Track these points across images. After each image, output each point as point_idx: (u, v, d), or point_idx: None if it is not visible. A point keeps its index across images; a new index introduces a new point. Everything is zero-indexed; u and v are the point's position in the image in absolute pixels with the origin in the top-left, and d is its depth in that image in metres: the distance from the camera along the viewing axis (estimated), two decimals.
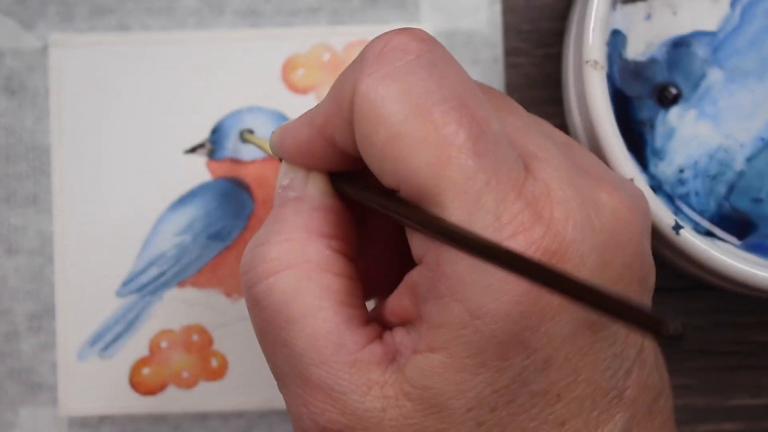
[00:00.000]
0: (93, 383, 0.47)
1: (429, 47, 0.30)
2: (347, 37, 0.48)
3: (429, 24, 0.48)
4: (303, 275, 0.30)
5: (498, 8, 0.48)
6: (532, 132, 0.31)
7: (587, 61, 0.40)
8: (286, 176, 0.33)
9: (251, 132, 0.48)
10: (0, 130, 0.48)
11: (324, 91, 0.48)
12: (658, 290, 0.48)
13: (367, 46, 0.30)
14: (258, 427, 0.47)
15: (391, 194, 0.30)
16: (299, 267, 0.31)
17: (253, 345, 0.47)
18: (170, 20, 0.48)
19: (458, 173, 0.28)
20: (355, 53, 0.48)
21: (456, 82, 0.29)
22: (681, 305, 0.48)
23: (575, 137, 0.44)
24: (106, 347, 0.47)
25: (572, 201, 0.29)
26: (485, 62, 0.48)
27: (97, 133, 0.48)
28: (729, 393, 0.48)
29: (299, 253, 0.31)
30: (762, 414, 0.48)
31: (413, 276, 0.30)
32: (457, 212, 0.28)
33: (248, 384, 0.47)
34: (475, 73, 0.48)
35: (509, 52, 0.48)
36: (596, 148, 0.41)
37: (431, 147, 0.28)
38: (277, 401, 0.47)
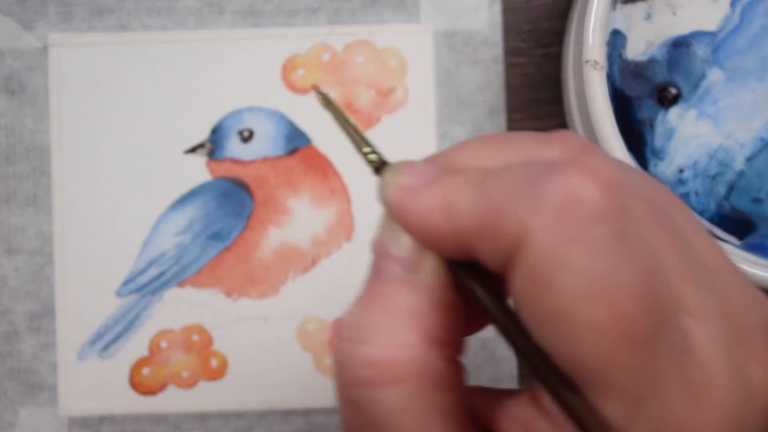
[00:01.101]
0: (93, 383, 0.47)
1: (617, 202, 0.25)
2: (347, 37, 0.48)
3: (429, 24, 0.48)
4: (413, 392, 0.27)
5: (498, 8, 0.48)
6: (692, 279, 0.27)
7: (587, 61, 0.40)
8: (396, 243, 0.28)
9: (251, 132, 0.48)
10: (0, 130, 0.48)
11: (324, 91, 0.48)
12: None
13: (545, 179, 0.25)
14: (258, 427, 0.47)
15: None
16: (410, 382, 0.27)
17: (253, 345, 0.47)
18: (170, 20, 0.48)
19: (627, 375, 0.24)
20: (354, 53, 0.48)
21: (643, 254, 0.25)
22: None
23: None
24: (106, 347, 0.47)
25: (731, 400, 0.25)
26: (485, 62, 0.48)
27: (96, 133, 0.48)
28: None
29: (412, 366, 0.27)
30: None
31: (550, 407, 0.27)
32: (615, 411, 0.25)
33: (248, 384, 0.47)
34: (475, 73, 0.48)
35: (509, 52, 0.48)
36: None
37: (604, 339, 0.24)
38: (277, 401, 0.47)
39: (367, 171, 0.48)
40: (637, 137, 0.42)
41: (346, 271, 0.47)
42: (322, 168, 0.48)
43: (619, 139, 0.40)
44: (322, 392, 0.47)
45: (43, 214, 0.47)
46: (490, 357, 0.47)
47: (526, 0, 0.49)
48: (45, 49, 0.48)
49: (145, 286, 0.47)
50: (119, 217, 0.48)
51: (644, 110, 0.42)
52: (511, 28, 0.48)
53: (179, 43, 0.48)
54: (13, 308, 0.47)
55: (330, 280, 0.47)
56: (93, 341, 0.47)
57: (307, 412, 0.47)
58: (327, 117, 0.49)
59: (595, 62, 0.40)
